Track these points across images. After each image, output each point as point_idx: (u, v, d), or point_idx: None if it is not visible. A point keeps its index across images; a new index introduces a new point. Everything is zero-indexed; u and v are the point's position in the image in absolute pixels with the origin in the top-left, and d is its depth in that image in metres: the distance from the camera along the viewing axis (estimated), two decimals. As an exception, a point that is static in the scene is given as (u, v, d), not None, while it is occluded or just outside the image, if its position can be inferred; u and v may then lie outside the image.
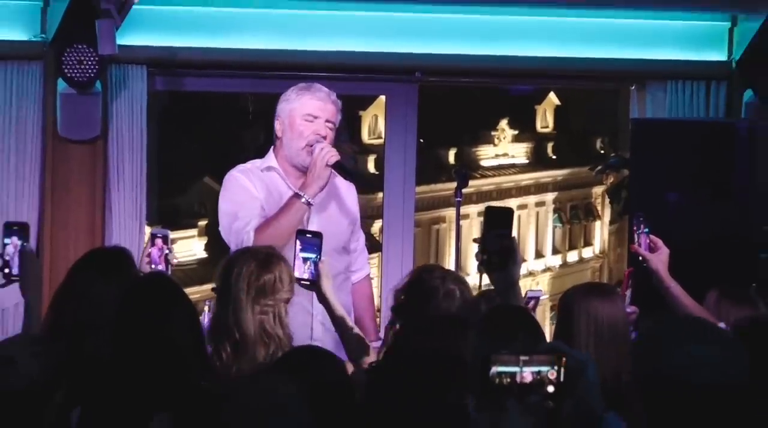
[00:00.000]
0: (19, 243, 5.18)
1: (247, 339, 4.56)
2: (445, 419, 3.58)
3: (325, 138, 5.82)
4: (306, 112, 5.86)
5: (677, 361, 3.20)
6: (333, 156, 5.74)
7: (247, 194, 5.82)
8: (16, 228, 5.26)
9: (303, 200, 5.66)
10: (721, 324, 4.86)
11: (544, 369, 3.21)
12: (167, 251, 5.28)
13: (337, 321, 5.02)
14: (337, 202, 6.00)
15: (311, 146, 5.78)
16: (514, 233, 4.79)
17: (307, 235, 5.10)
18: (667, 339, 3.26)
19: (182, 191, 18.73)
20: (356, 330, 5.08)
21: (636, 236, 5.41)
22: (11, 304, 6.23)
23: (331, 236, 5.91)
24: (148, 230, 6.68)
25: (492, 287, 4.78)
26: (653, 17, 7.77)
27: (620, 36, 7.74)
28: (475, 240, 4.75)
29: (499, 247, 4.66)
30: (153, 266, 5.22)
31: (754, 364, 3.33)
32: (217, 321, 4.64)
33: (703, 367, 3.19)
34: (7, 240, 5.20)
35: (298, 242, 5.05)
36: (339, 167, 5.77)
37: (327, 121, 5.87)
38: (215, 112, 17.80)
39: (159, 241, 5.29)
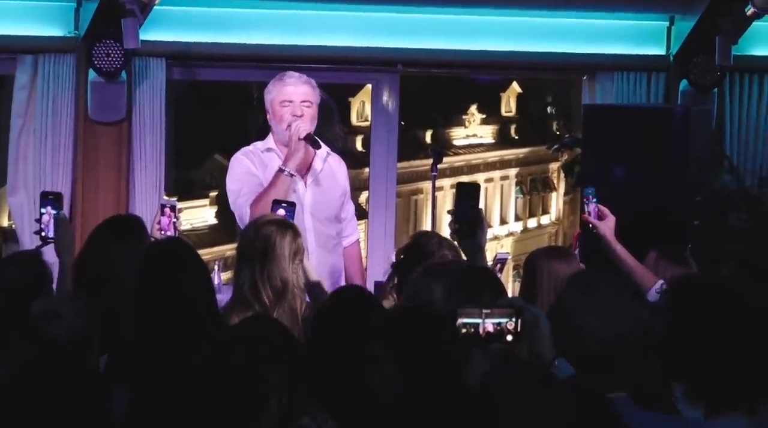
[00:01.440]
0: (54, 211, 5.16)
1: (288, 288, 4.63)
2: None
3: (302, 116, 5.80)
4: (282, 99, 5.85)
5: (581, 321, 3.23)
6: (303, 130, 5.74)
7: (249, 173, 5.82)
8: (51, 198, 5.23)
9: (285, 173, 5.66)
10: (660, 281, 4.88)
11: (503, 320, 3.21)
12: (175, 219, 5.22)
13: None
14: (330, 178, 5.99)
15: (290, 126, 5.77)
16: (482, 204, 4.80)
17: (284, 204, 5.11)
18: (571, 303, 3.28)
19: (196, 166, 18.64)
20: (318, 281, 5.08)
21: (586, 206, 5.40)
22: (47, 264, 6.20)
23: (326, 206, 5.92)
24: (166, 200, 6.65)
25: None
26: (603, 17, 7.76)
27: (574, 33, 7.72)
28: (449, 212, 4.76)
29: (468, 217, 4.67)
30: (162, 232, 5.16)
31: (686, 314, 3.35)
32: (258, 276, 4.64)
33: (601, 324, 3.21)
34: (43, 209, 5.18)
35: (282, 210, 5.06)
36: (308, 139, 5.75)
37: (302, 101, 5.84)
38: (224, 98, 17.72)
39: (168, 211, 5.22)
